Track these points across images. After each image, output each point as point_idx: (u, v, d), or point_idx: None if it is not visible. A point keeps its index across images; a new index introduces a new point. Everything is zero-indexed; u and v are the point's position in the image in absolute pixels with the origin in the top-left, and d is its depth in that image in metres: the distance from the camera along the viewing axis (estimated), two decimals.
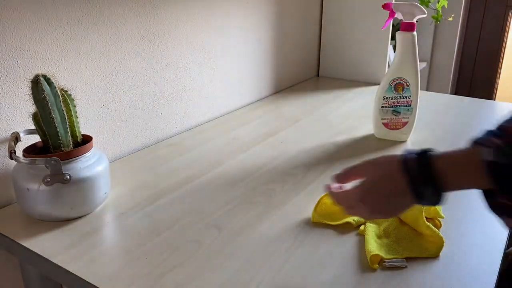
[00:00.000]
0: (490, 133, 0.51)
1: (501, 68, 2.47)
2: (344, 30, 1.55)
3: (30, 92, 0.63)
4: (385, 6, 0.97)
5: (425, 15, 0.94)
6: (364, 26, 1.50)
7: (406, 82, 0.94)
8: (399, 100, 0.96)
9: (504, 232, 0.65)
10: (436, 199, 0.48)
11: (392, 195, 0.50)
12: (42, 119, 0.64)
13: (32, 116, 0.66)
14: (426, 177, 0.47)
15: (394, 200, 0.50)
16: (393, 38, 1.95)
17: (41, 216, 0.66)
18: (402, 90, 0.95)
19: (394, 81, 0.95)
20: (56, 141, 0.65)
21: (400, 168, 0.49)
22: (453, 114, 1.20)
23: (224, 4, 1.12)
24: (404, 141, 0.99)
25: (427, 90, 2.27)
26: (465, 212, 0.70)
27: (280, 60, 1.41)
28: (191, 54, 1.05)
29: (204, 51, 1.09)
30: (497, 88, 2.54)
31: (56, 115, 0.64)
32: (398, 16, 0.95)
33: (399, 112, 0.97)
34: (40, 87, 0.62)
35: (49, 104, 0.62)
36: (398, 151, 0.92)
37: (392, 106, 0.97)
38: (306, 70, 1.59)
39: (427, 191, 0.48)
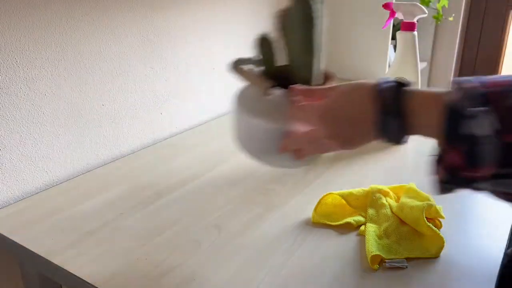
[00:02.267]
0: (471, 79, 0.43)
1: (501, 68, 2.47)
2: (344, 30, 1.55)
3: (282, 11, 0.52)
4: (386, 6, 0.96)
5: (425, 15, 0.93)
6: (364, 26, 1.50)
7: None
8: None
9: (504, 232, 0.65)
10: (397, 138, 0.45)
11: (355, 120, 0.46)
12: (295, 44, 0.52)
13: (262, 41, 0.55)
14: (396, 110, 0.44)
15: (356, 126, 0.46)
16: (393, 38, 1.95)
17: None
18: None
19: None
20: (308, 73, 0.53)
21: (373, 94, 0.45)
22: None
23: (224, 4, 1.12)
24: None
25: None
26: (465, 212, 0.70)
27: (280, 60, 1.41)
28: (191, 54, 1.05)
29: (204, 51, 1.09)
30: None
31: (318, 41, 0.52)
32: (399, 16, 0.94)
33: None
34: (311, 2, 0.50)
35: (316, 25, 0.51)
36: (400, 152, 0.93)
37: None
38: None
39: (393, 125, 0.44)
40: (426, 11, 0.93)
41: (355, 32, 1.52)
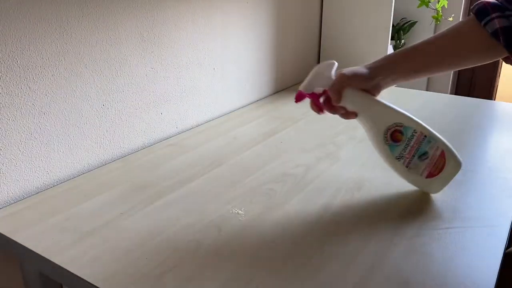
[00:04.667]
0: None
1: (501, 68, 2.47)
2: (344, 30, 1.55)
3: None
4: (300, 98, 0.74)
5: (335, 64, 0.75)
6: (364, 26, 1.50)
7: (397, 125, 0.71)
8: (411, 145, 0.71)
9: (504, 232, 0.65)
10: None
11: None
12: None
13: None
14: None
15: None
16: (393, 38, 1.95)
17: None
18: (403, 134, 0.71)
19: (387, 137, 0.71)
20: None
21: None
22: (453, 114, 1.20)
23: (224, 4, 1.12)
24: (461, 166, 0.73)
25: (427, 90, 2.27)
26: (465, 212, 0.70)
27: (280, 60, 1.41)
28: (191, 54, 1.05)
29: (204, 51, 1.09)
30: (497, 88, 2.54)
31: None
32: (319, 90, 0.73)
33: (426, 152, 0.71)
34: None
35: None
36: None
37: (413, 156, 0.71)
38: (306, 70, 1.59)
39: None
40: (333, 62, 0.75)
41: (355, 32, 1.53)
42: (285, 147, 0.97)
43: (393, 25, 1.81)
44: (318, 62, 1.66)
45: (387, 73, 0.71)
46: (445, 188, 0.74)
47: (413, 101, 1.31)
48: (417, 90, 1.45)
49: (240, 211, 0.71)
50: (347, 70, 0.71)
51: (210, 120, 1.15)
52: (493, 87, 2.51)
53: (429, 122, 1.13)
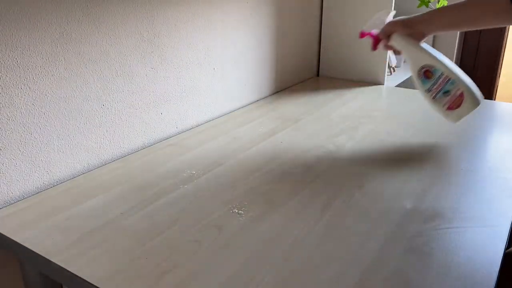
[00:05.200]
0: None
1: (501, 68, 2.47)
2: (344, 30, 1.55)
3: None
4: (362, 36, 1.03)
5: (392, 12, 1.01)
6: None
7: (429, 67, 0.92)
8: (438, 83, 0.93)
9: (504, 232, 0.65)
10: None
11: None
12: None
13: None
14: None
15: None
16: None
17: None
18: (433, 74, 0.93)
19: (420, 73, 0.94)
20: None
21: None
22: None
23: (224, 4, 1.12)
24: (478, 105, 0.92)
25: None
26: (465, 211, 0.70)
27: (280, 60, 1.41)
28: (191, 54, 1.05)
29: (204, 51, 1.09)
30: (497, 88, 2.54)
31: None
32: (375, 32, 1.00)
33: (448, 91, 0.92)
34: None
35: None
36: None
37: (439, 91, 0.93)
38: (306, 70, 1.59)
39: None
40: (390, 10, 0.99)
41: (355, 32, 1.53)
42: (285, 147, 0.97)
43: None
44: (318, 61, 1.66)
45: (425, 24, 0.90)
46: (464, 119, 0.93)
47: (413, 101, 1.31)
48: (417, 90, 1.45)
49: (240, 211, 0.71)
50: (397, 18, 0.94)
51: (210, 120, 1.15)
52: (493, 87, 2.51)
53: (429, 122, 1.13)
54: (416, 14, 0.90)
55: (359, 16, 1.50)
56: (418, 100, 1.33)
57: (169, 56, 0.99)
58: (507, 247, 0.63)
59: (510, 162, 0.89)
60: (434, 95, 0.94)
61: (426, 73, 0.93)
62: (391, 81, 1.71)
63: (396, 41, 0.94)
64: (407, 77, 1.87)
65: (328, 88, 1.47)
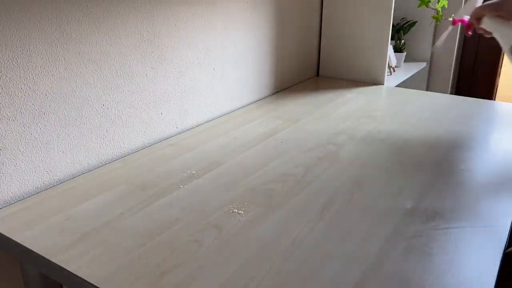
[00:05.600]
0: None
1: (501, 68, 2.47)
2: (344, 30, 1.55)
3: None
4: (455, 23, 1.10)
5: None
6: (364, 26, 1.50)
7: None
8: None
9: (504, 232, 0.65)
10: None
11: None
12: None
13: None
14: None
15: None
16: (393, 38, 1.95)
17: None
18: None
19: (511, 51, 0.95)
20: None
21: None
22: (453, 114, 1.20)
23: (224, 4, 1.12)
24: None
25: (427, 90, 2.27)
26: (465, 211, 0.70)
27: (280, 60, 1.41)
28: (191, 54, 1.05)
29: (204, 51, 1.09)
30: (497, 88, 2.54)
31: None
32: (467, 18, 1.03)
33: None
34: None
35: None
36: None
37: None
38: (306, 70, 1.59)
39: None
40: None
41: (355, 32, 1.53)
42: (285, 147, 0.97)
43: (393, 25, 1.81)
44: (318, 61, 1.66)
45: None
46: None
47: (413, 101, 1.31)
48: (418, 90, 1.45)
49: (240, 211, 0.71)
50: (486, 2, 0.96)
51: (210, 120, 1.15)
52: (493, 87, 2.51)
53: (429, 122, 1.13)
54: None
55: (359, 16, 1.50)
56: (418, 100, 1.33)
57: (169, 56, 0.99)
58: (507, 247, 0.63)
59: (510, 162, 0.89)
60: None
61: None
62: (391, 81, 1.71)
63: (487, 23, 0.96)
64: (407, 77, 1.87)
65: (328, 88, 1.47)
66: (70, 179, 0.82)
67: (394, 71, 1.86)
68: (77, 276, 0.56)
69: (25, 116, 0.74)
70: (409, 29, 2.02)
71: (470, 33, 1.03)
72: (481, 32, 0.99)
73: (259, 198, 0.75)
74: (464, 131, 1.07)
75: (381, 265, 0.58)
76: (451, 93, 2.36)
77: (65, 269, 0.57)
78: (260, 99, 1.34)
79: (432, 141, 1.00)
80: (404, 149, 0.95)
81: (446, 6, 1.78)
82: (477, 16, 0.96)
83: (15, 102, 0.72)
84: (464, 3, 1.04)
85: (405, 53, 1.98)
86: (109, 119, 0.89)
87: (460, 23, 1.07)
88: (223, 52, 1.15)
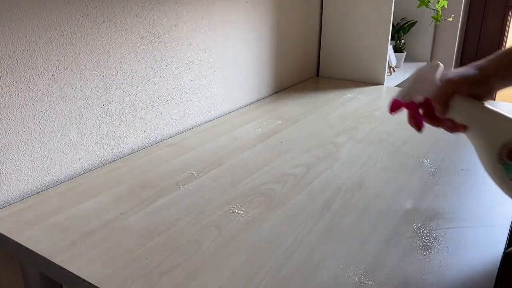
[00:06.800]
0: None
1: None
2: (344, 30, 1.55)
3: None
4: (395, 108, 0.63)
5: (441, 66, 0.62)
6: (364, 26, 1.50)
7: None
8: None
9: (504, 232, 0.65)
10: None
11: None
12: None
13: None
14: None
15: None
16: (393, 38, 1.95)
17: None
18: None
19: (501, 154, 0.57)
20: None
21: None
22: None
23: (224, 4, 1.12)
24: None
25: None
26: (465, 212, 0.70)
27: (280, 60, 1.41)
28: (191, 54, 1.05)
29: (204, 51, 1.09)
30: None
31: None
32: (419, 99, 0.62)
33: None
34: None
35: None
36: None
37: None
38: (306, 70, 1.59)
39: None
40: (437, 64, 0.63)
41: (355, 32, 1.53)
42: (285, 147, 0.97)
43: (393, 25, 1.81)
44: (318, 61, 1.66)
45: (499, 77, 0.60)
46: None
47: None
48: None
49: (240, 211, 0.71)
50: (453, 73, 0.59)
51: (210, 120, 1.15)
52: None
53: None
54: (479, 63, 0.60)
55: (359, 16, 1.50)
56: None
57: (169, 56, 0.99)
58: (507, 247, 0.63)
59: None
60: None
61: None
62: (391, 81, 1.71)
63: (460, 108, 0.59)
64: (407, 77, 1.87)
65: (328, 88, 1.47)
66: (70, 179, 0.82)
67: (394, 71, 1.86)
68: (77, 276, 0.56)
69: (25, 116, 0.74)
70: (409, 29, 2.02)
71: (423, 127, 0.63)
72: (443, 126, 0.62)
73: (259, 198, 0.75)
74: None
75: (381, 265, 0.58)
76: None
77: (65, 269, 0.57)
78: (260, 99, 1.34)
79: (432, 141, 1.00)
80: (404, 149, 0.95)
81: (446, 6, 1.78)
82: (448, 95, 0.58)
83: (15, 102, 0.72)
84: (412, 78, 0.62)
85: (405, 53, 1.98)
86: (109, 119, 0.89)
87: (404, 108, 0.62)
88: (223, 52, 1.15)
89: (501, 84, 0.61)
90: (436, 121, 0.61)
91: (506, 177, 0.57)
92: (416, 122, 0.62)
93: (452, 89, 0.57)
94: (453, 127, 0.61)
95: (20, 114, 0.73)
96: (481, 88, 0.59)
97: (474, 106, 0.60)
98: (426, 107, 0.61)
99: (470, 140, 0.62)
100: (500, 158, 0.57)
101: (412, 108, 0.62)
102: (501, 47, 2.39)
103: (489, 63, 0.59)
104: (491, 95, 0.62)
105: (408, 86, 0.62)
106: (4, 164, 0.72)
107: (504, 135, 0.58)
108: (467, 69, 0.59)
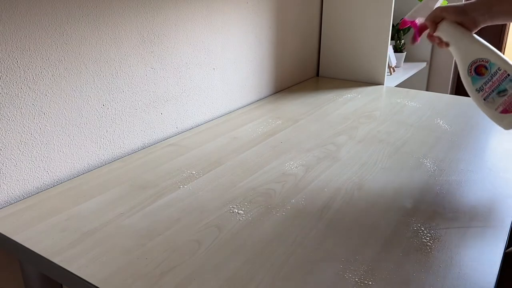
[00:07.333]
0: None
1: None
2: (344, 30, 1.55)
3: None
4: (403, 25, 0.89)
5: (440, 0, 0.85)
6: (364, 26, 1.50)
7: (483, 60, 0.76)
8: (492, 81, 0.76)
9: (504, 232, 0.65)
10: None
11: None
12: None
13: None
14: None
15: None
16: (393, 38, 1.95)
17: None
18: (487, 69, 0.76)
19: (470, 69, 0.77)
20: None
21: None
22: (453, 114, 1.20)
23: (224, 4, 1.12)
24: None
25: (427, 90, 2.27)
26: (465, 212, 0.70)
27: (280, 60, 1.41)
28: (191, 54, 1.05)
29: (204, 51, 1.09)
30: None
31: None
32: (420, 20, 0.87)
33: (504, 90, 0.75)
34: None
35: None
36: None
37: (493, 91, 0.76)
38: (306, 70, 1.59)
39: None
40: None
41: (355, 32, 1.53)
42: (285, 147, 0.97)
43: (393, 25, 1.81)
44: (318, 61, 1.66)
45: (481, 11, 0.76)
46: None
47: (413, 101, 1.31)
48: (417, 90, 1.45)
49: (240, 211, 0.71)
50: (449, 4, 0.81)
51: (210, 120, 1.15)
52: None
53: (429, 122, 1.13)
54: (470, 0, 0.78)
55: (359, 16, 1.50)
56: (418, 100, 1.33)
57: (169, 56, 0.99)
58: (507, 247, 0.63)
59: (510, 162, 0.89)
60: (486, 95, 0.77)
61: (479, 69, 0.77)
62: (391, 81, 1.71)
63: (445, 30, 0.80)
64: (407, 77, 1.87)
65: (328, 88, 1.47)
66: (70, 179, 0.82)
67: (394, 71, 1.86)
68: (77, 276, 0.56)
69: (25, 116, 0.74)
70: (409, 29, 2.02)
71: (418, 40, 0.88)
72: (434, 41, 0.83)
73: (259, 198, 0.75)
74: (464, 131, 1.07)
75: (381, 265, 0.58)
76: (451, 93, 2.36)
77: (65, 269, 0.57)
78: (260, 99, 1.34)
79: (432, 141, 1.00)
80: (404, 149, 0.95)
81: None
82: (435, 19, 0.80)
83: (15, 102, 0.72)
84: (418, 4, 0.86)
85: (405, 53, 1.98)
86: (109, 119, 0.89)
87: (410, 26, 0.88)
88: (223, 52, 1.15)
89: (482, 18, 0.77)
90: (430, 37, 0.83)
91: (472, 88, 0.77)
92: (414, 35, 0.88)
93: (440, 13, 0.79)
94: (440, 43, 0.81)
95: (20, 114, 0.73)
96: (462, 17, 0.77)
97: (456, 30, 0.79)
98: (423, 26, 0.85)
99: (453, 55, 0.81)
100: (470, 71, 0.77)
101: (414, 26, 0.87)
102: (501, 47, 2.39)
103: (473, 1, 0.78)
104: (474, 26, 0.78)
105: (414, 10, 0.87)
106: (4, 164, 0.72)
107: (473, 55, 0.77)
108: (459, 3, 0.79)
